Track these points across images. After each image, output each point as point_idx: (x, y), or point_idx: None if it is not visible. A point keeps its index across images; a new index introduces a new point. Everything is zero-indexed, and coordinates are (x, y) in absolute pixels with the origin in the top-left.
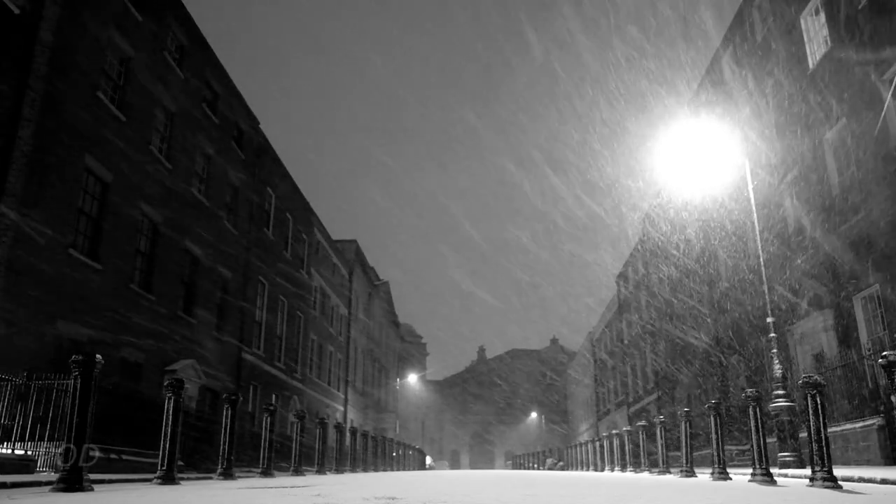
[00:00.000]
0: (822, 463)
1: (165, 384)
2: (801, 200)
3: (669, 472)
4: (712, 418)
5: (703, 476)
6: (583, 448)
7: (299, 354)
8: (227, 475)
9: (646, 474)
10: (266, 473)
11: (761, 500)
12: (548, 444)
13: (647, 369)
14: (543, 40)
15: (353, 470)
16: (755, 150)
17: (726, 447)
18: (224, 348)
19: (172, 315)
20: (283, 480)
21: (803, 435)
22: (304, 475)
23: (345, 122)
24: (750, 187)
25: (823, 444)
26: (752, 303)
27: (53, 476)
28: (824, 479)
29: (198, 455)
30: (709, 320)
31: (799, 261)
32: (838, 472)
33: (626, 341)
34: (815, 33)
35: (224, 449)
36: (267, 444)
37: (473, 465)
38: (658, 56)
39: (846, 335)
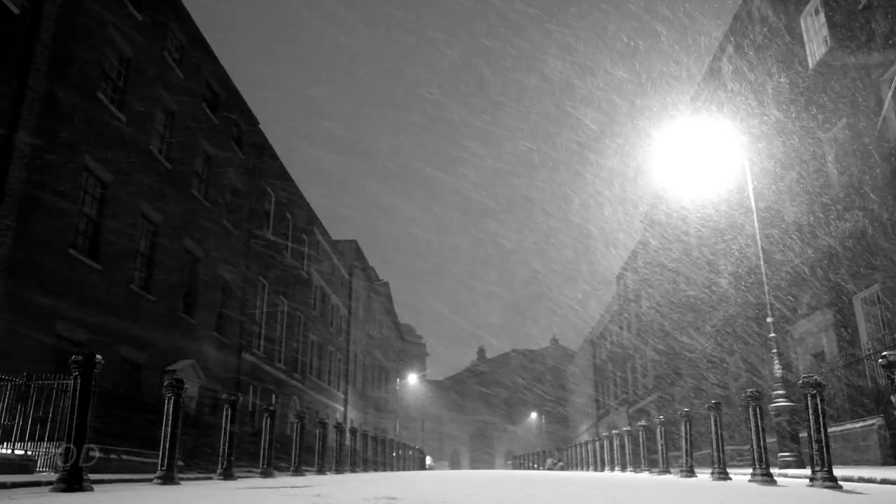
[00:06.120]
0: (822, 463)
1: (165, 384)
2: (801, 200)
3: (669, 473)
4: (712, 418)
5: (703, 476)
6: (583, 448)
7: (299, 354)
8: (227, 475)
9: (646, 474)
10: (266, 473)
11: (761, 500)
12: (548, 444)
13: (647, 369)
14: (547, 41)
15: (354, 470)
16: (755, 150)
17: (726, 447)
18: (224, 348)
19: (172, 315)
20: (283, 480)
21: (803, 435)
22: (304, 475)
23: (345, 123)
24: (750, 187)
25: (823, 444)
26: (751, 302)
27: (53, 476)
28: (824, 480)
29: (198, 455)
30: (709, 319)
31: (799, 261)
32: (838, 472)
33: (625, 341)
34: (815, 33)
35: (224, 449)
36: (267, 444)
37: (473, 465)
38: (658, 55)
39: (846, 335)
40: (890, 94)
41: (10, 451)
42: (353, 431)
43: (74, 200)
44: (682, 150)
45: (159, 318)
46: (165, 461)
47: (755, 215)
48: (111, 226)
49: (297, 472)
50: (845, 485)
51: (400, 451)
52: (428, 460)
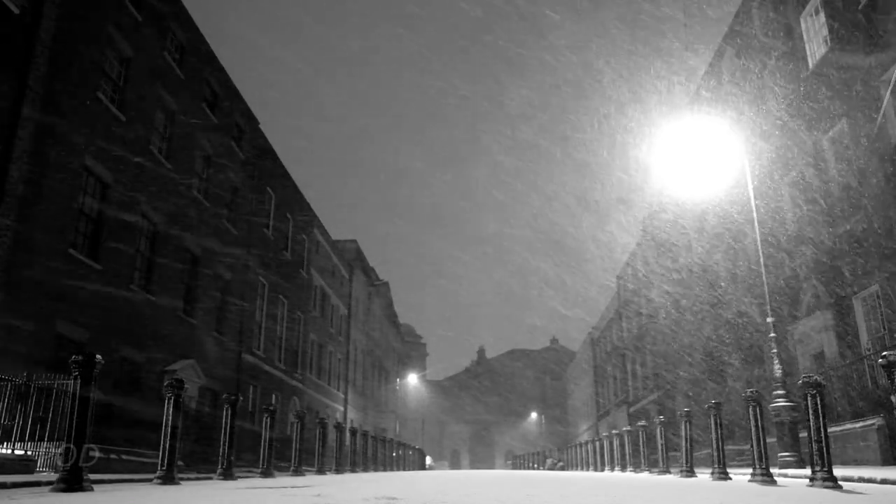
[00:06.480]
0: (822, 463)
1: (165, 384)
2: (801, 200)
3: (669, 472)
4: (712, 418)
5: (703, 476)
6: (583, 448)
7: (299, 354)
8: (227, 475)
9: (646, 474)
10: (266, 473)
11: (761, 500)
12: (548, 444)
13: (646, 369)
14: (546, 40)
15: (353, 470)
16: (755, 149)
17: (726, 447)
18: (224, 348)
19: (172, 315)
20: (283, 480)
21: (803, 435)
22: (304, 475)
23: (345, 123)
24: (750, 187)
25: (823, 444)
26: (752, 302)
27: (53, 476)
28: (824, 479)
29: (198, 455)
30: (709, 320)
31: (799, 261)
32: (838, 472)
33: (625, 341)
34: (815, 33)
35: (224, 449)
36: (267, 444)
37: (473, 465)
38: (658, 55)
39: (846, 335)
40: (889, 93)
41: (10, 451)
42: (353, 431)
43: (74, 201)
44: (682, 150)
45: (159, 318)
46: (165, 461)
47: (755, 215)
48: (111, 226)
49: (297, 472)
50: (845, 485)
51: (400, 451)
52: (428, 460)
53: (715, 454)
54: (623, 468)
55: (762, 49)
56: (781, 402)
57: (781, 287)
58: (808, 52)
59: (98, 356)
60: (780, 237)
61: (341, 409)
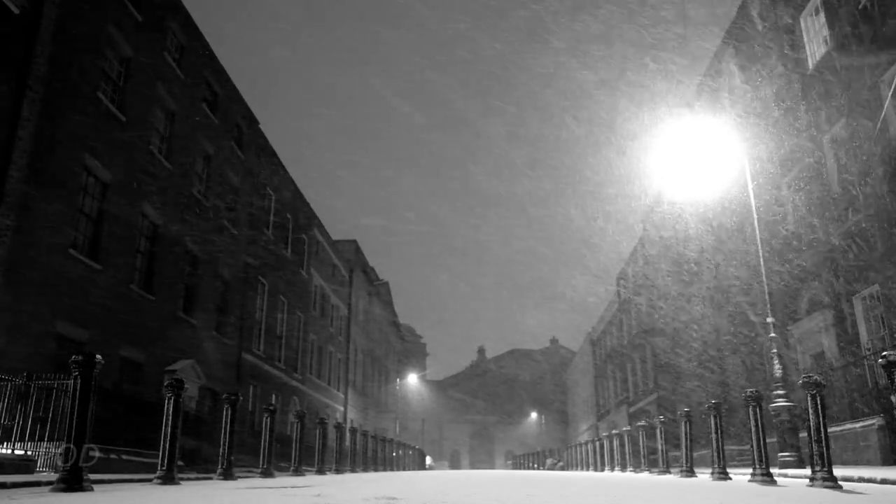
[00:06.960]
0: (822, 463)
1: (165, 384)
2: (801, 200)
3: (669, 472)
4: (712, 418)
5: (703, 476)
6: (583, 448)
7: (299, 354)
8: (227, 475)
9: (646, 474)
10: (266, 473)
11: (761, 500)
12: (548, 444)
13: (647, 369)
14: (545, 38)
15: (354, 470)
16: (755, 149)
17: (726, 447)
18: (224, 348)
19: (172, 315)
20: (283, 480)
21: (803, 435)
22: (304, 475)
23: (345, 124)
24: (750, 187)
25: (823, 444)
26: (752, 302)
27: (53, 476)
28: (824, 479)
29: (198, 455)
30: (708, 319)
31: (799, 260)
32: (838, 472)
33: (625, 341)
34: (815, 33)
35: (224, 449)
36: (267, 444)
37: (473, 465)
38: (658, 54)
39: (846, 335)
40: (889, 94)
41: (10, 451)
42: (353, 431)
43: (74, 200)
44: (682, 150)
45: (159, 318)
46: (165, 461)
47: (755, 215)
48: (111, 226)
49: (297, 471)
50: (845, 485)
51: (400, 451)
52: (428, 460)
53: (715, 454)
54: (623, 468)
55: (762, 49)
56: (781, 402)
57: (782, 287)
58: (808, 52)
59: (98, 356)
60: (780, 237)
61: (341, 409)
